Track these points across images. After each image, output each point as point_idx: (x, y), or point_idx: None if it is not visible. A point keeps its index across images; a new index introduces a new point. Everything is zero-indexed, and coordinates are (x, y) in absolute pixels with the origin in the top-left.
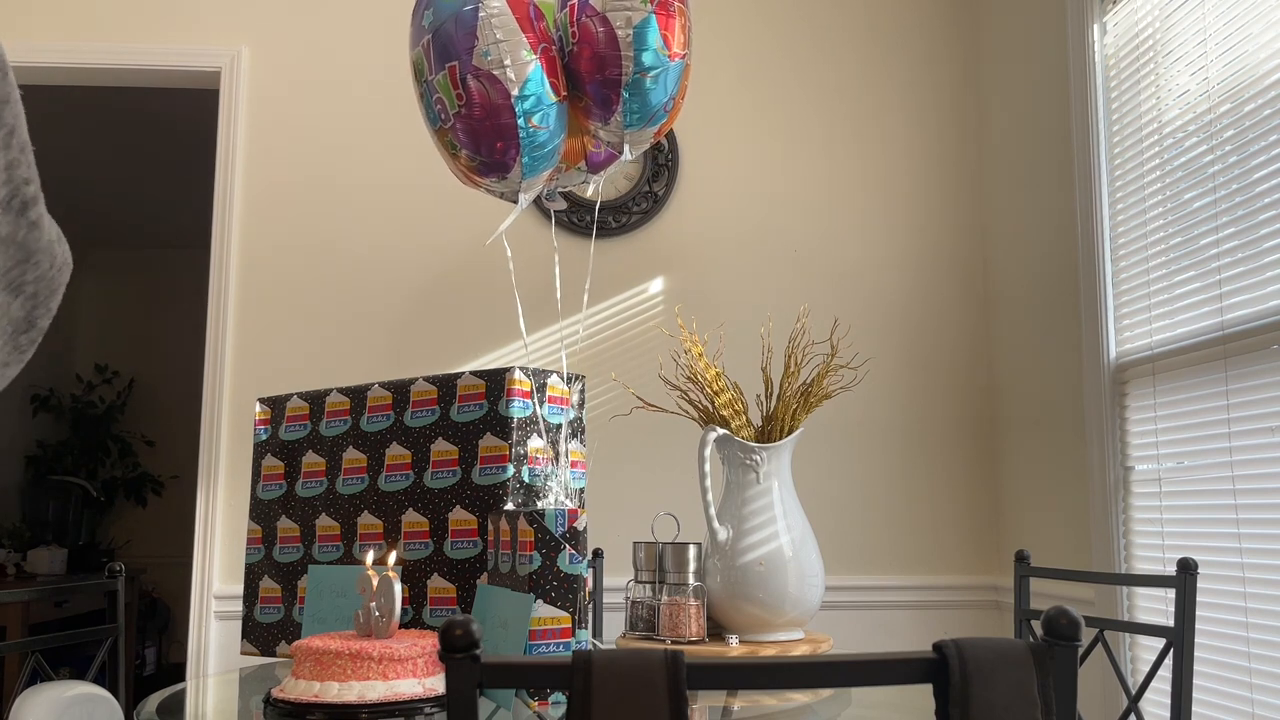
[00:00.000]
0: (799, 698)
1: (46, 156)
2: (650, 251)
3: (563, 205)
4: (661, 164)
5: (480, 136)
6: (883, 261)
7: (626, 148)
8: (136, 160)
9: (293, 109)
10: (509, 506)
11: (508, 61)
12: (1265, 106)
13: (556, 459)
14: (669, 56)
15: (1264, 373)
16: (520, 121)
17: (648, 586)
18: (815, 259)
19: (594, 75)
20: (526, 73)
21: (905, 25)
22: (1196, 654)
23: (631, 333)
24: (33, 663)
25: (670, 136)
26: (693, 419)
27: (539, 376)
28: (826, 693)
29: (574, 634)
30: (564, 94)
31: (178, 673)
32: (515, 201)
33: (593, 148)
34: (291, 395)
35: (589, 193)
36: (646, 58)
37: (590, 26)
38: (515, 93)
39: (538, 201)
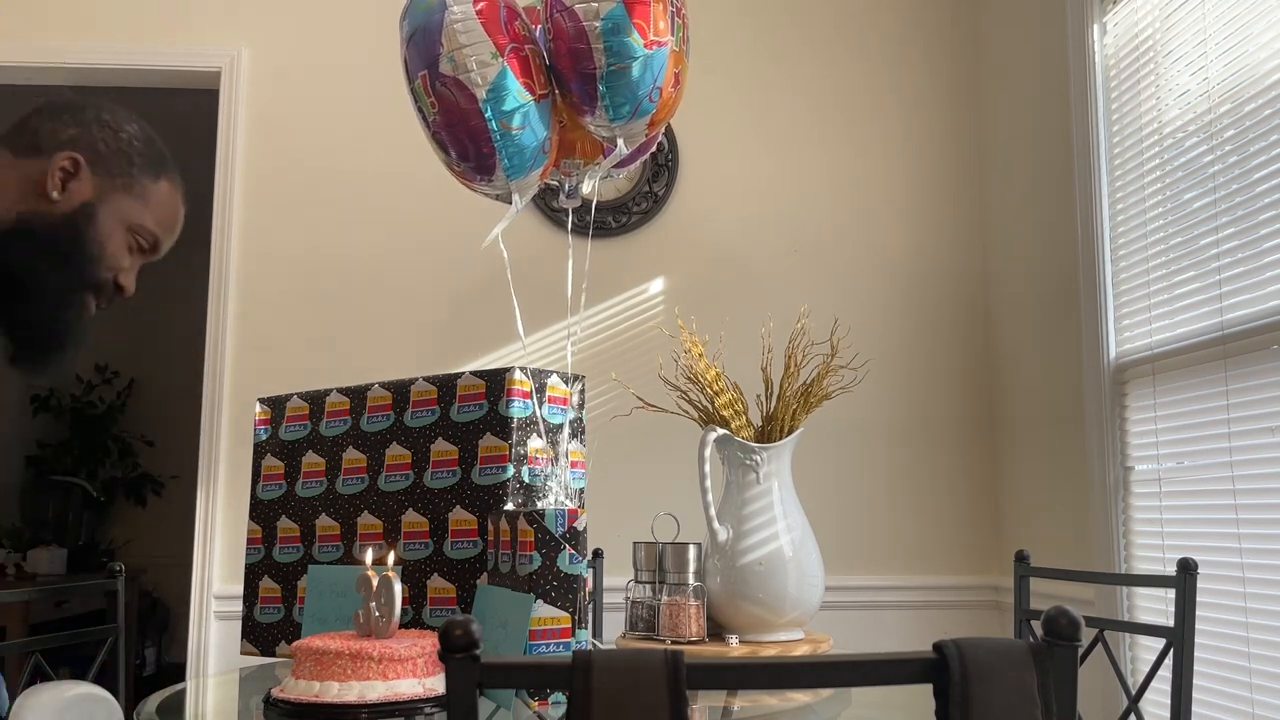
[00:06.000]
0: (799, 698)
1: None
2: (650, 251)
3: (578, 202)
4: (661, 164)
5: (458, 142)
6: (883, 261)
7: (620, 141)
8: None
9: (293, 109)
10: (509, 506)
11: (472, 66)
12: (1265, 106)
13: (556, 459)
14: (645, 45)
15: (1264, 373)
16: (492, 125)
17: (648, 586)
18: (815, 259)
19: (572, 71)
20: (493, 76)
21: (905, 26)
22: (1196, 654)
23: (631, 333)
24: (33, 663)
25: (670, 136)
26: (693, 419)
27: (539, 377)
28: (826, 693)
29: (574, 634)
30: (543, 91)
31: (178, 673)
32: (510, 202)
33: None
34: (291, 395)
35: (585, 190)
36: (619, 48)
37: (561, 22)
38: (483, 96)
39: (557, 197)
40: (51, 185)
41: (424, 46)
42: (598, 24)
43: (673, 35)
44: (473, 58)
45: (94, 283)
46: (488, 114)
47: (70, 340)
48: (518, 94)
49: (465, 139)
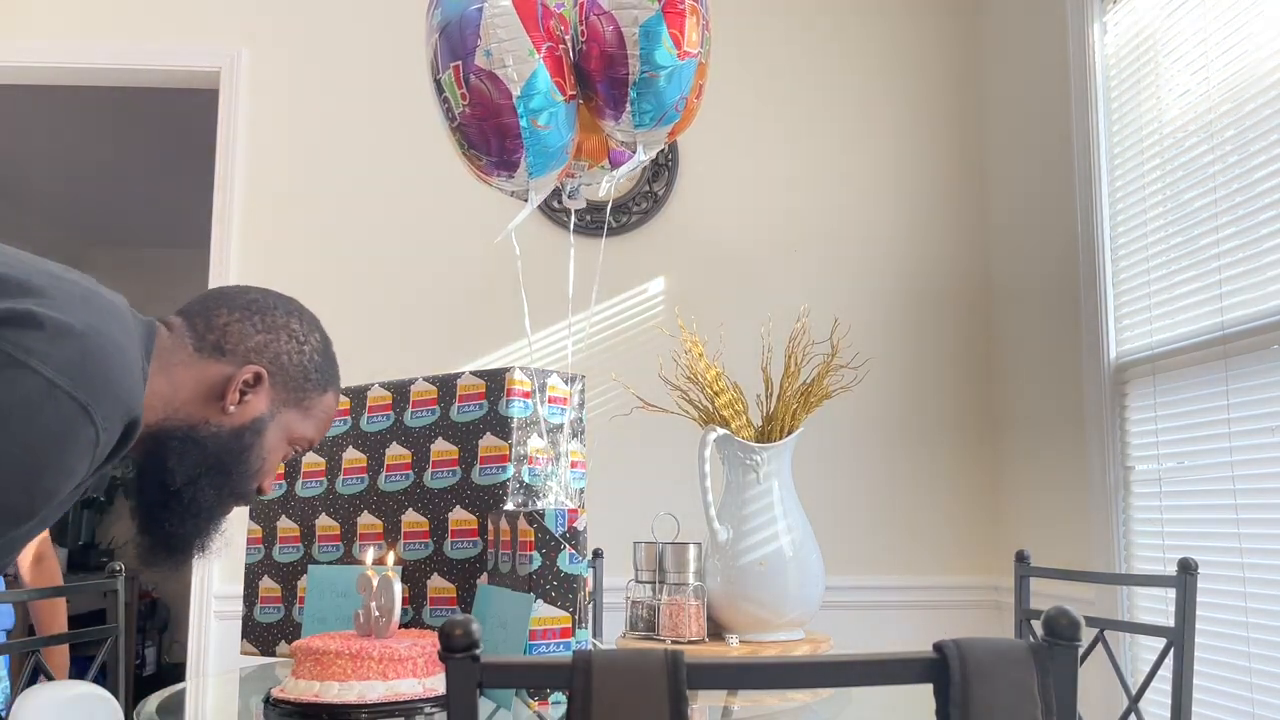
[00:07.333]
0: (799, 698)
1: (47, 156)
2: (650, 251)
3: (583, 203)
4: (661, 164)
5: (484, 136)
6: (883, 260)
7: (640, 147)
8: (136, 160)
9: (293, 109)
10: (509, 506)
11: (509, 61)
12: (1265, 106)
13: (556, 459)
14: (679, 55)
15: (1264, 373)
16: (524, 122)
17: (648, 586)
18: (815, 259)
19: (602, 74)
20: (529, 72)
21: (905, 26)
22: (1196, 654)
23: (632, 333)
24: (33, 663)
25: None
26: (693, 419)
27: (539, 376)
28: (826, 693)
29: (574, 634)
30: (572, 93)
31: (178, 673)
32: (526, 200)
33: (615, 145)
34: None
35: (601, 193)
36: (655, 57)
37: (598, 25)
38: (517, 93)
39: (558, 197)
40: (230, 399)
41: (458, 38)
42: (635, 30)
43: (703, 47)
44: (510, 53)
45: (244, 494)
46: (520, 110)
47: (205, 549)
48: (549, 93)
49: (492, 134)
